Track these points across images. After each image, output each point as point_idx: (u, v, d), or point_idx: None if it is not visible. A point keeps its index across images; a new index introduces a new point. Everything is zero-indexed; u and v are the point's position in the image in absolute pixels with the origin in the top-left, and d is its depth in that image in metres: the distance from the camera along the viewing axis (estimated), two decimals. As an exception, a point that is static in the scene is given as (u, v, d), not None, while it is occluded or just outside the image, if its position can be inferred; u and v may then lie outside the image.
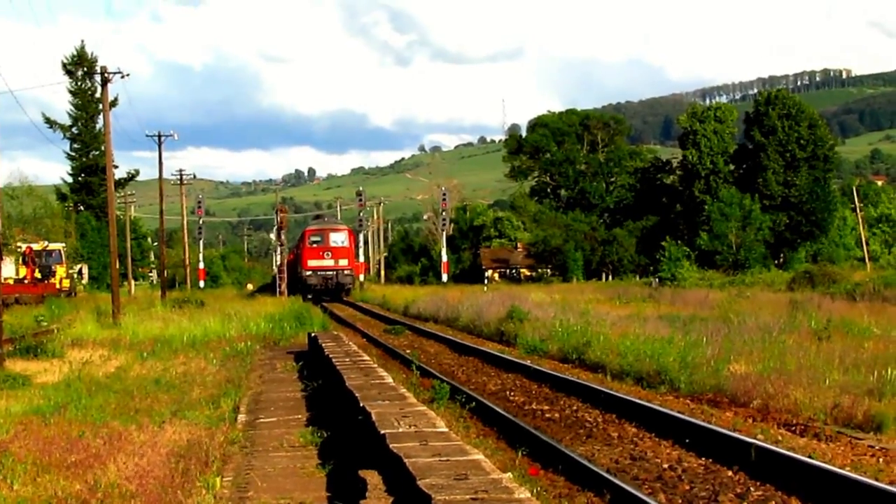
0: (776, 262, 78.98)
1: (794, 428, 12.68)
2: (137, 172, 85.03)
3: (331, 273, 56.26)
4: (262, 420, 12.75)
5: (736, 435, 11.30)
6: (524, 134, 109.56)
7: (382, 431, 7.86)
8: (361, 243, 74.64)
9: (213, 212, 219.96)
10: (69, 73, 75.79)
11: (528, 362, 20.36)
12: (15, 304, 42.26)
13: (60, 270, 57.31)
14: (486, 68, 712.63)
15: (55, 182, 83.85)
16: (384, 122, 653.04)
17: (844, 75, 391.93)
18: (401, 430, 7.97)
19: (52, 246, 58.67)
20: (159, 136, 58.39)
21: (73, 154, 78.22)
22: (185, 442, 10.87)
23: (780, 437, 11.86)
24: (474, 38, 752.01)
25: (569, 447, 11.42)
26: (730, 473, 10.20)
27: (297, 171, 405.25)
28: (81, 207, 77.61)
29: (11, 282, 48.70)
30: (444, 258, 70.34)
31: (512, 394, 16.76)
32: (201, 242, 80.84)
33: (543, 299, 37.77)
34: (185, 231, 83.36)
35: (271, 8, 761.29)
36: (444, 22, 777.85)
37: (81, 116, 77.49)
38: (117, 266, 38.50)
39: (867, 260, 75.67)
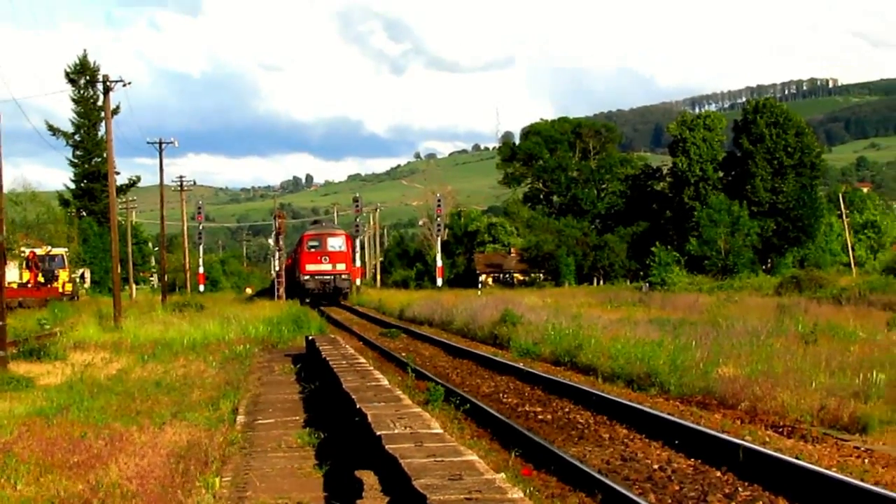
0: (764, 267, 79.29)
1: (781, 429, 12.80)
2: (139, 179, 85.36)
3: (328, 277, 56.30)
4: (260, 421, 12.82)
5: (724, 436, 11.39)
6: (517, 141, 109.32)
7: (378, 433, 7.96)
8: (358, 248, 74.72)
9: (213, 217, 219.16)
10: (72, 81, 75.83)
11: (521, 365, 20.43)
12: (18, 307, 42.49)
13: (63, 275, 57.27)
14: (480, 77, 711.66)
15: (58, 188, 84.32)
16: (380, 129, 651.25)
17: (831, 84, 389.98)
18: (396, 431, 8.07)
19: (55, 251, 58.71)
20: (160, 143, 58.38)
21: (75, 161, 78.39)
22: (185, 443, 10.95)
23: (767, 439, 11.97)
24: (468, 47, 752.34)
25: (561, 448, 11.49)
26: (718, 474, 10.28)
27: (294, 177, 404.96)
28: (84, 213, 77.76)
29: (15, 286, 48.87)
30: (439, 263, 70.38)
31: (505, 396, 16.84)
32: (201, 247, 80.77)
33: (536, 303, 37.84)
34: (186, 236, 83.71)
35: (268, 17, 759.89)
36: (439, 31, 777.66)
37: (84, 124, 77.67)
38: (119, 270, 38.62)
39: (853, 265, 75.63)
